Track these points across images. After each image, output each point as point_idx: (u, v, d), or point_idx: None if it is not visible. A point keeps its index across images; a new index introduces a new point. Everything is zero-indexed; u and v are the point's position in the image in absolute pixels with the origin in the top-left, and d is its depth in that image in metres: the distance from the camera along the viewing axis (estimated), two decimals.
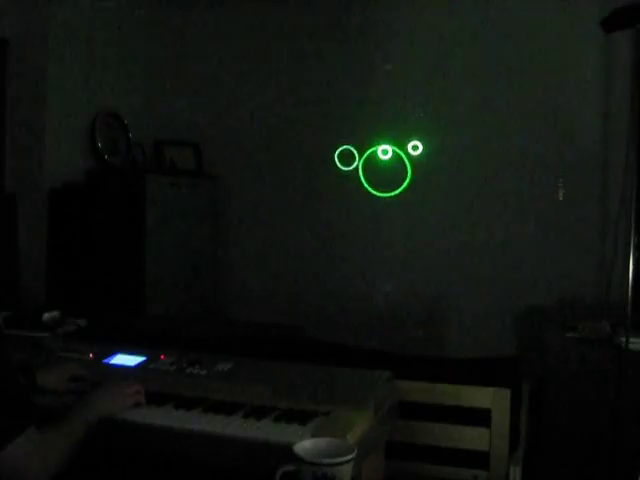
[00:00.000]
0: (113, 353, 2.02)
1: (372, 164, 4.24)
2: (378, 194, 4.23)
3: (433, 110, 4.10)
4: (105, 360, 1.99)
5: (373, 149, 4.22)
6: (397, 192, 4.19)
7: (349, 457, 1.20)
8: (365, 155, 4.24)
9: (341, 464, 1.19)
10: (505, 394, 2.03)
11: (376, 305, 4.18)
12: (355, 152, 4.25)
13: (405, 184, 4.17)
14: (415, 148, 4.14)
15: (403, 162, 4.17)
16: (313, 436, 1.45)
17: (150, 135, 4.30)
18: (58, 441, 1.44)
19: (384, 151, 4.19)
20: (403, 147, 4.17)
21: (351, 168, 4.26)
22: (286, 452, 1.23)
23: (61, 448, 1.43)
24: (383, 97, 4.18)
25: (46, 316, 2.50)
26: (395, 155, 4.19)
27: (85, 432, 1.50)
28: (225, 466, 1.59)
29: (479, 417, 2.03)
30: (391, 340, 3.91)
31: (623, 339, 3.05)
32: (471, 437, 2.05)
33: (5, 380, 1.37)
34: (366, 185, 4.25)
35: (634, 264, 3.16)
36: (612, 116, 3.77)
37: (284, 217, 4.42)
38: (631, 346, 3.03)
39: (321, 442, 1.28)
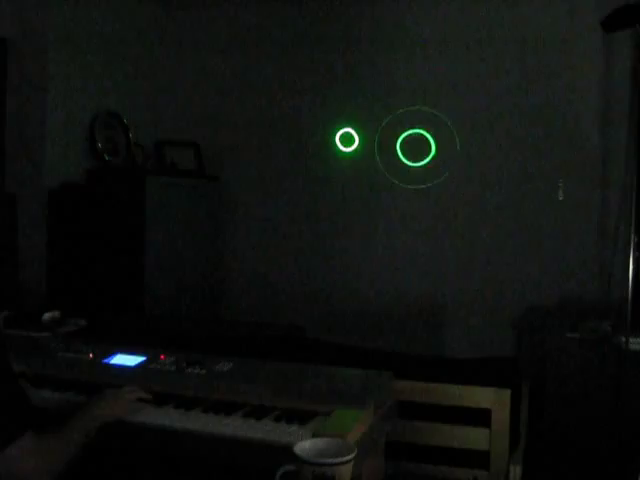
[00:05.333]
0: (113, 353, 2.02)
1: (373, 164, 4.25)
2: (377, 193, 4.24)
3: (431, 109, 4.11)
4: (105, 360, 1.99)
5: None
6: (397, 192, 4.20)
7: (349, 457, 1.20)
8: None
9: (341, 464, 1.19)
10: (505, 394, 2.03)
11: (376, 305, 4.18)
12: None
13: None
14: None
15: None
16: (313, 436, 1.45)
17: (150, 135, 4.30)
18: (57, 446, 1.44)
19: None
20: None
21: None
22: (286, 452, 1.23)
23: (59, 453, 1.43)
24: (388, 103, 4.18)
25: (46, 316, 2.50)
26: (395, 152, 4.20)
27: (84, 439, 1.50)
28: (225, 466, 1.59)
29: (479, 417, 2.03)
30: (391, 340, 3.91)
31: (623, 339, 3.05)
32: (471, 437, 2.05)
33: (4, 383, 1.38)
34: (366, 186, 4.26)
35: (634, 264, 3.17)
36: (612, 116, 3.77)
37: (284, 217, 4.42)
38: (631, 346, 3.04)
39: (321, 442, 1.27)
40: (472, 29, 4.01)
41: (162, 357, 1.98)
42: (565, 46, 3.85)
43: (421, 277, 4.15)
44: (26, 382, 1.76)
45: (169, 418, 1.63)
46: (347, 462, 1.20)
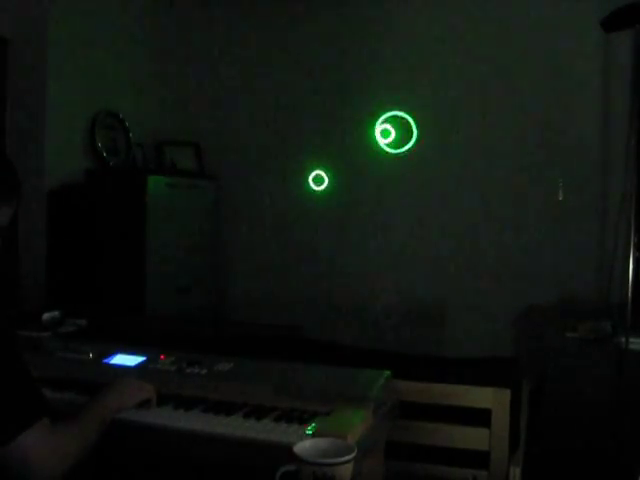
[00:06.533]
0: (113, 353, 2.02)
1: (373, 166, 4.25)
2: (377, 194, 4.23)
3: (432, 109, 4.11)
4: (105, 360, 1.99)
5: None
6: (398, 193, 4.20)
7: (349, 457, 1.20)
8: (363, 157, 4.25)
9: (341, 464, 1.19)
10: (505, 394, 2.03)
11: (376, 305, 4.18)
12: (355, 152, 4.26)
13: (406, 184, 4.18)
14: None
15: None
16: (313, 436, 1.45)
17: (150, 135, 4.30)
18: (73, 434, 1.43)
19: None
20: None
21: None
22: (286, 452, 1.23)
23: (75, 441, 1.42)
24: (387, 102, 4.18)
25: (46, 316, 2.49)
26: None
27: (100, 428, 1.50)
28: (225, 466, 1.59)
29: (479, 417, 2.03)
30: (391, 340, 3.91)
31: (623, 339, 3.05)
32: (471, 437, 2.05)
33: (17, 373, 1.37)
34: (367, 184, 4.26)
35: (634, 264, 3.17)
36: (612, 116, 3.77)
37: (284, 217, 4.42)
38: (631, 346, 3.04)
39: (321, 442, 1.27)
40: (470, 29, 4.02)
41: (162, 357, 1.98)
42: (565, 46, 3.85)
43: (421, 277, 4.15)
44: None
45: (169, 418, 1.63)
46: (347, 462, 1.20)
